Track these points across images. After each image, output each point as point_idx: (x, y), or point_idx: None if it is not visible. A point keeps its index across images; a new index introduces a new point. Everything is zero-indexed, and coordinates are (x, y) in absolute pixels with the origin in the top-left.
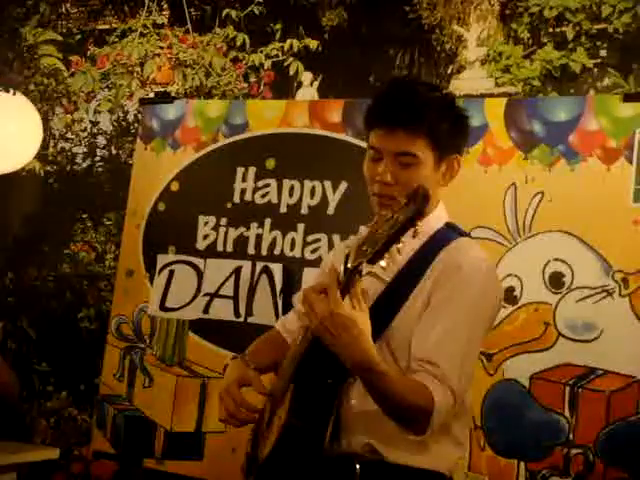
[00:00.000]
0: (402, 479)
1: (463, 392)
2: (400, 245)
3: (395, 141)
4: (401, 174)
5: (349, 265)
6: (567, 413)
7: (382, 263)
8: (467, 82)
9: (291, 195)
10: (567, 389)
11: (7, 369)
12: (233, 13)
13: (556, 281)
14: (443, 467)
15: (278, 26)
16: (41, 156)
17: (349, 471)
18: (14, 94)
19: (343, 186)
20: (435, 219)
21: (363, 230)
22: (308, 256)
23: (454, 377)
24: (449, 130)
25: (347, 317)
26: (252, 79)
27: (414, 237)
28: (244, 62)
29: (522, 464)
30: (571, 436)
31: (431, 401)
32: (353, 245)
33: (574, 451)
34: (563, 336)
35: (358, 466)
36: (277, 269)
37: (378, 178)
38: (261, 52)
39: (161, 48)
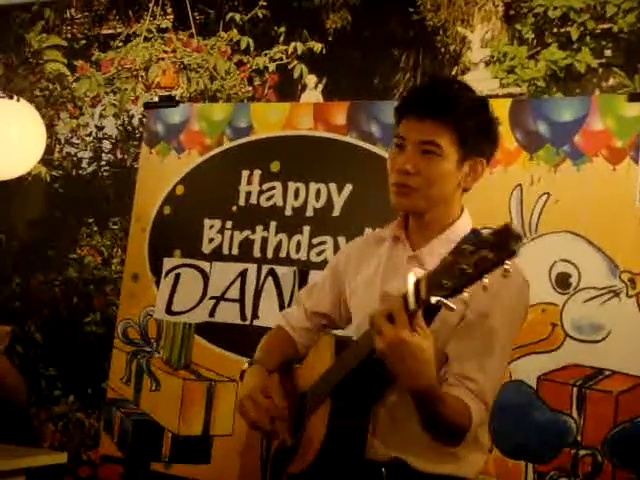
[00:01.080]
0: None
1: (493, 403)
2: (485, 282)
3: (421, 130)
4: (422, 164)
5: (423, 296)
6: (575, 414)
7: (465, 294)
8: (471, 83)
9: (296, 198)
10: (574, 390)
11: (16, 374)
12: (237, 17)
13: (563, 282)
14: (472, 473)
15: (282, 29)
16: (47, 161)
17: (376, 475)
18: (18, 100)
19: (348, 188)
20: (463, 226)
21: (368, 232)
22: (314, 258)
23: (490, 392)
24: (476, 129)
25: (416, 345)
26: (256, 82)
27: (504, 277)
28: (248, 65)
29: (530, 465)
30: (579, 437)
31: (470, 419)
32: (424, 273)
33: (582, 452)
34: (570, 337)
35: (384, 469)
36: (283, 272)
37: (398, 167)
38: (265, 55)
39: (165, 52)
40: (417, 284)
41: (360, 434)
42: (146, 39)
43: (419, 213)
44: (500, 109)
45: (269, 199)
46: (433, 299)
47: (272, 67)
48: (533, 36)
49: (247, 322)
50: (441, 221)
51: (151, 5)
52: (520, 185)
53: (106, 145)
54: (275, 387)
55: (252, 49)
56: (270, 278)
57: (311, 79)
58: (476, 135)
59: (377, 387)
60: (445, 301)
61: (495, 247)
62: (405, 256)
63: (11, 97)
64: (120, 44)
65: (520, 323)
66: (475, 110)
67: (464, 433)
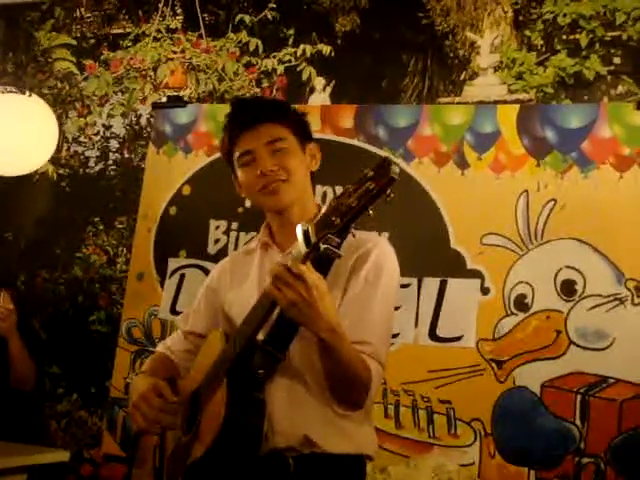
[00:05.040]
0: (336, 467)
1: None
2: (371, 213)
3: (264, 133)
4: (279, 160)
5: (313, 239)
6: (578, 422)
7: (351, 235)
8: (480, 89)
9: None
10: (578, 397)
11: (29, 361)
12: (246, 18)
13: (568, 289)
14: (370, 450)
15: (291, 31)
16: (54, 159)
17: (283, 467)
18: (30, 96)
19: None
20: (317, 206)
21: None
22: None
23: (383, 354)
24: (297, 120)
25: (319, 286)
26: (265, 84)
27: (387, 202)
28: (257, 67)
29: (532, 472)
30: (582, 445)
31: (370, 374)
32: (310, 222)
33: (585, 460)
34: (575, 344)
35: (292, 461)
36: None
37: (261, 171)
38: (274, 57)
39: (174, 52)
40: (306, 232)
41: (259, 408)
42: (155, 39)
43: (289, 207)
44: (508, 115)
45: None
46: (322, 246)
47: (280, 69)
48: (542, 42)
49: None
50: (304, 219)
51: (160, 5)
52: (527, 191)
53: (113, 144)
54: (165, 387)
55: (261, 51)
56: None
57: (319, 82)
58: (300, 125)
59: (264, 361)
60: (332, 248)
61: (375, 178)
62: (278, 258)
63: (23, 92)
64: (129, 44)
65: (396, 290)
66: (286, 107)
67: (365, 390)
